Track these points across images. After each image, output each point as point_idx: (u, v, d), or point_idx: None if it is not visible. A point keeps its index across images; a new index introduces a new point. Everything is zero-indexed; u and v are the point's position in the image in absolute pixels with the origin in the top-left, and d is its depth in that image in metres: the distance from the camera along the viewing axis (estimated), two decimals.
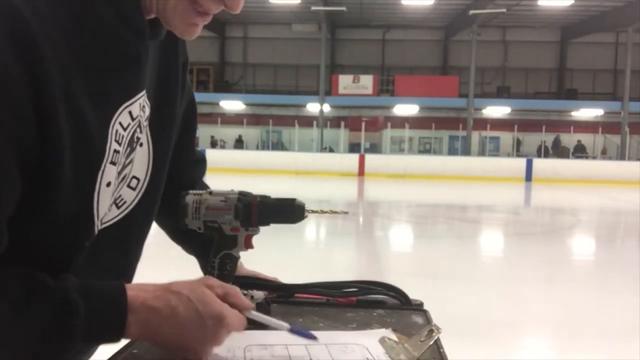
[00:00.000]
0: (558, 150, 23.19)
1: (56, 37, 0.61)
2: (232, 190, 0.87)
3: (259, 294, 0.88)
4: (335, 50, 27.35)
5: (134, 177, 0.79)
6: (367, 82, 24.18)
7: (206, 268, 0.96)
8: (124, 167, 0.76)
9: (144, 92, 0.76)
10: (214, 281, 0.72)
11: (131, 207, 0.80)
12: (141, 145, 0.79)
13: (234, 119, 25.96)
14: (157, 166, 0.83)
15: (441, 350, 0.80)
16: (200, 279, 0.73)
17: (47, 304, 0.61)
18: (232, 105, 26.25)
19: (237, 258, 0.88)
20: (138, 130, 0.77)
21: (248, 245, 0.88)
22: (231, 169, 17.93)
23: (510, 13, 21.73)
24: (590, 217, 12.01)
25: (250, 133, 25.71)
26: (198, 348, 0.69)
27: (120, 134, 0.71)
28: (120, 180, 0.76)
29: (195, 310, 0.67)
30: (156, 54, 0.80)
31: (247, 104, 26.27)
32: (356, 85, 24.12)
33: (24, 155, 0.59)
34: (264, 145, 25.78)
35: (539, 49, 26.49)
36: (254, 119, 26.24)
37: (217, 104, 25.89)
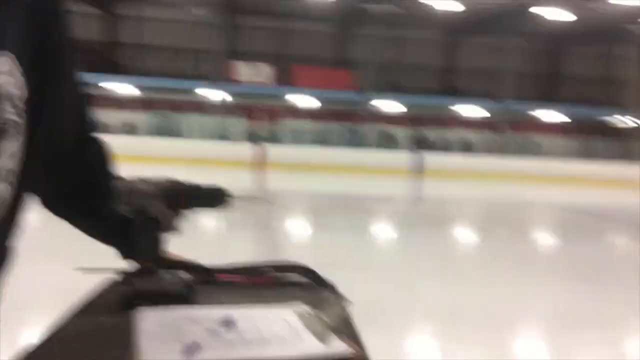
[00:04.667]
0: (423, 143, 24.18)
1: None
2: (160, 178, 0.92)
3: (186, 276, 0.95)
4: (235, 36, 26.99)
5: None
6: (265, 70, 24.13)
7: (127, 254, 1.00)
8: None
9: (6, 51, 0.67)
10: None
11: None
12: (17, 125, 0.70)
13: (124, 103, 24.78)
14: (29, 151, 0.73)
15: (351, 320, 0.91)
16: None
17: None
18: (123, 88, 25.02)
19: (164, 241, 0.94)
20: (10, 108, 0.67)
21: (175, 228, 0.93)
22: (119, 156, 17.05)
23: (403, 12, 22.82)
24: (475, 209, 13.02)
25: (142, 118, 24.65)
26: None
27: None
28: None
29: None
30: (24, 29, 0.70)
31: (138, 88, 25.18)
32: (255, 74, 23.99)
33: None
34: (156, 132, 24.83)
35: (430, 48, 27.99)
36: (145, 104, 25.21)
37: (105, 87, 24.57)
